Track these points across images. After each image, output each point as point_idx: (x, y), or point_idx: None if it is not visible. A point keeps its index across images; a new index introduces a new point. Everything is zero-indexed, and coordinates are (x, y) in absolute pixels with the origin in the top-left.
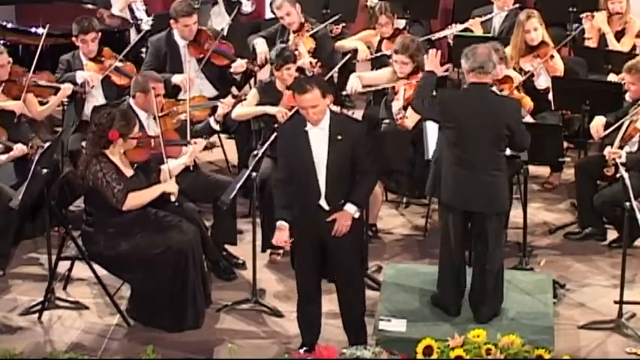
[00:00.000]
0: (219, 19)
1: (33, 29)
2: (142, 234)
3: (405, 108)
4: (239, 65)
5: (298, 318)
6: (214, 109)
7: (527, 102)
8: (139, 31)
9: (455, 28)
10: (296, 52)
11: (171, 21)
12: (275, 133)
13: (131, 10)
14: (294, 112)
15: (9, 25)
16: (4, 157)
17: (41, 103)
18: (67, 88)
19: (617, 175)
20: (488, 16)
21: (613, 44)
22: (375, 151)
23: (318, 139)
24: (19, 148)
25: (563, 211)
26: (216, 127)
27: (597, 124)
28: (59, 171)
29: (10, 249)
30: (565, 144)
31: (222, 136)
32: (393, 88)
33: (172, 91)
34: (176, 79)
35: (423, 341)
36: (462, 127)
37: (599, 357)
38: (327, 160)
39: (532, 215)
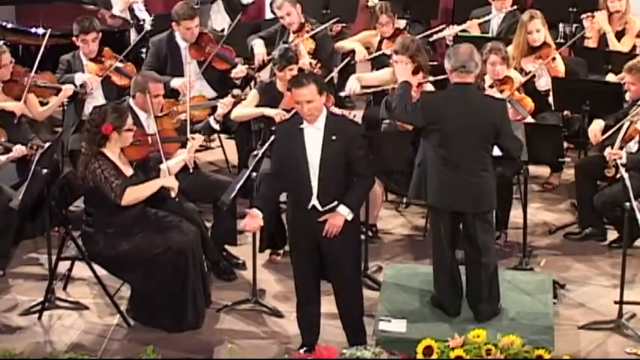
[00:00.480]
0: (220, 19)
1: (33, 29)
2: (142, 234)
3: None
4: (239, 71)
5: (298, 318)
6: (214, 108)
7: (528, 103)
8: (139, 31)
9: (453, 30)
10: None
11: (173, 23)
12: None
13: (131, 11)
14: (292, 113)
15: (9, 25)
16: (3, 157)
17: (42, 104)
18: (68, 89)
19: (617, 176)
20: (487, 17)
21: (613, 44)
22: (372, 154)
23: (313, 138)
24: (18, 150)
25: (563, 211)
26: (216, 127)
27: (595, 129)
28: (59, 171)
29: (10, 249)
30: (565, 144)
31: (222, 136)
32: (394, 88)
33: (171, 94)
34: (175, 83)
35: (423, 341)
36: (447, 127)
37: (599, 357)
38: (321, 160)
39: (532, 215)
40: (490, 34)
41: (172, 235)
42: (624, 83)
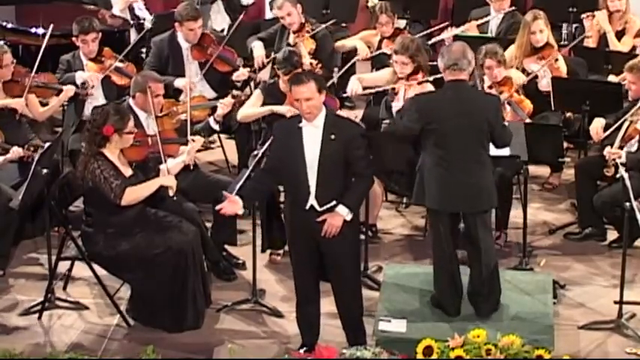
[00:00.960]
0: (220, 19)
1: (33, 29)
2: (141, 234)
3: None
4: (241, 74)
5: (297, 318)
6: (214, 109)
7: (527, 105)
8: (139, 31)
9: (451, 32)
10: None
11: (176, 24)
12: None
13: (131, 10)
14: None
15: (9, 25)
16: (0, 158)
17: (42, 104)
18: (69, 90)
19: (617, 176)
20: (486, 18)
21: (614, 43)
22: (372, 154)
23: (312, 137)
24: (15, 151)
25: (563, 211)
26: (216, 127)
27: (597, 126)
28: (59, 171)
29: (10, 249)
30: (565, 144)
31: (222, 136)
32: (394, 89)
33: (173, 94)
34: (178, 83)
35: (423, 341)
36: (443, 127)
37: (599, 357)
38: (319, 159)
39: (532, 215)
40: (489, 35)
41: (172, 235)
42: (625, 83)
